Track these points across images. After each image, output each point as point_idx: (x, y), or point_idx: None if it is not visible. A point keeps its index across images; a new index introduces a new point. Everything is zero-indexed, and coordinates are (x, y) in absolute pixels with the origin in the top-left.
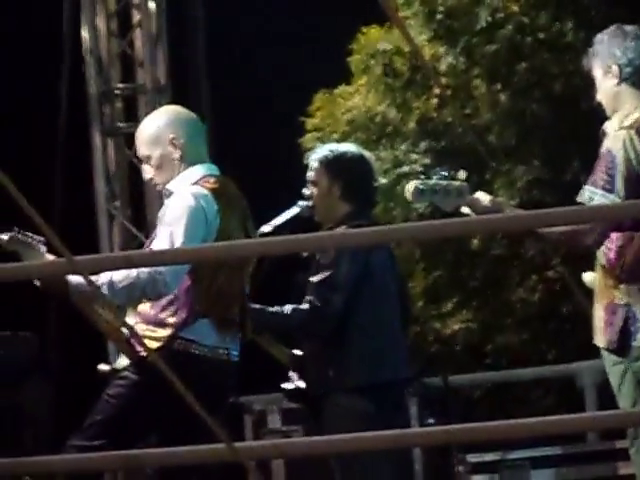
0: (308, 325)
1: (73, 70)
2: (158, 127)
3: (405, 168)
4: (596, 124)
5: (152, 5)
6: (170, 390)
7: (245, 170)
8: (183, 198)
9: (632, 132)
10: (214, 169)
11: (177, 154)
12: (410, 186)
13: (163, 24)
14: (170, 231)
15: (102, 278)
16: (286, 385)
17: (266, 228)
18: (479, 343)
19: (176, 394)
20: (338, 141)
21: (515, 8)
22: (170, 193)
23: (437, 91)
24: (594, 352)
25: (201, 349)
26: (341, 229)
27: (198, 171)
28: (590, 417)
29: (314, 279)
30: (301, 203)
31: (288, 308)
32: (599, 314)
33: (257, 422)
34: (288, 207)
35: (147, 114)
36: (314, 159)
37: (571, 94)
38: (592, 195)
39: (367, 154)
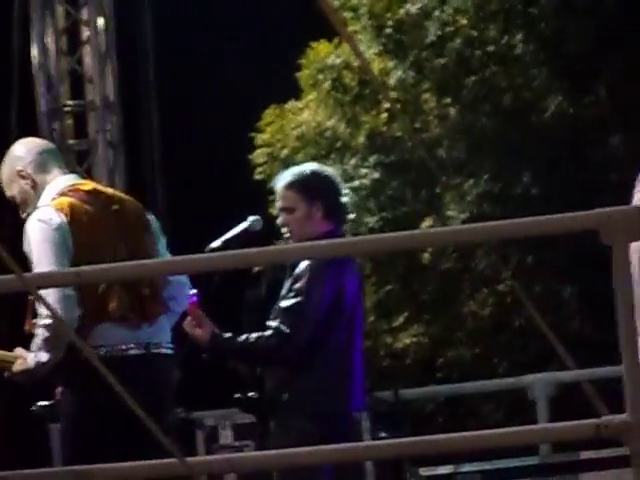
0: (273, 352)
1: (23, 87)
2: (7, 167)
3: (355, 182)
4: (545, 137)
5: (101, 22)
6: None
7: (195, 186)
8: (32, 229)
9: None
10: (70, 179)
11: (29, 184)
12: None
13: (112, 41)
14: (39, 258)
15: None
16: (238, 395)
17: (215, 243)
18: (430, 357)
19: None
20: (288, 156)
21: (464, 21)
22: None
23: (386, 105)
24: (545, 365)
25: (113, 350)
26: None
27: (48, 192)
28: (542, 429)
29: (283, 304)
30: (251, 218)
31: (253, 336)
32: None
33: (209, 437)
34: (238, 223)
35: (97, 131)
36: (281, 187)
37: (520, 107)
38: None
39: (330, 169)
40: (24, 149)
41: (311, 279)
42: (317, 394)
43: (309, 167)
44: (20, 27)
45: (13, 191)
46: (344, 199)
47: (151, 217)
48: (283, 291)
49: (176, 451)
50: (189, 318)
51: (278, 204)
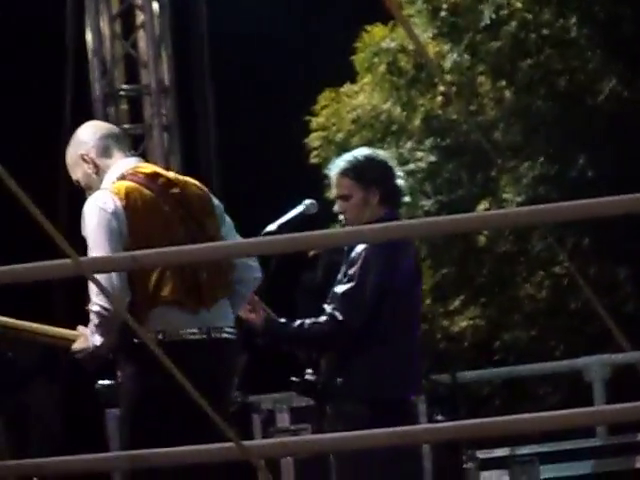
0: (327, 338)
1: (77, 72)
2: (71, 151)
3: (411, 166)
4: (600, 120)
5: (156, 6)
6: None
7: (250, 170)
8: (89, 213)
9: None
10: (131, 162)
11: (91, 168)
12: None
13: (167, 25)
14: (93, 243)
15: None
16: (295, 378)
17: (271, 227)
18: (487, 340)
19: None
20: (343, 140)
21: (519, 4)
22: None
23: (442, 89)
24: (602, 347)
25: (172, 335)
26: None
27: (110, 176)
28: (599, 411)
29: (338, 290)
30: (306, 202)
31: (307, 322)
32: None
33: (266, 421)
34: (294, 206)
35: (152, 115)
36: (335, 174)
37: (575, 90)
38: None
39: (383, 153)
40: (87, 133)
41: (364, 264)
42: (371, 379)
43: (362, 152)
44: (74, 12)
45: (77, 175)
46: (399, 182)
47: (216, 201)
48: (339, 275)
49: (233, 435)
50: None
51: (334, 192)
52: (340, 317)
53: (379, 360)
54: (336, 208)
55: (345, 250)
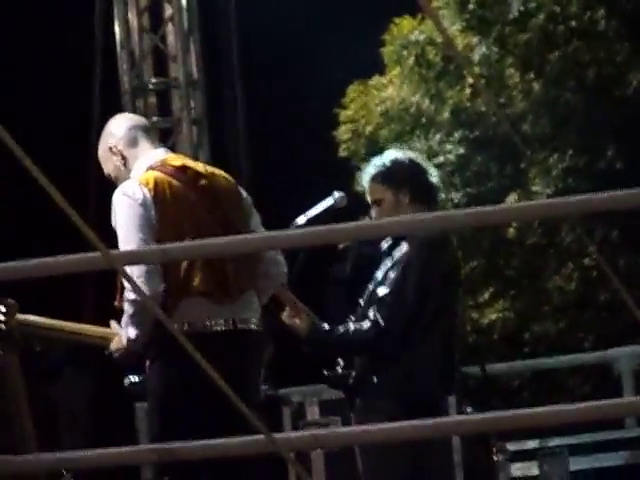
0: (371, 344)
1: (105, 65)
2: (101, 146)
3: (440, 158)
4: (629, 111)
5: None
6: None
7: (279, 163)
8: (118, 203)
9: None
10: (160, 153)
11: (119, 160)
12: None
13: (195, 18)
14: (124, 234)
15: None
16: (326, 371)
17: (301, 220)
18: (516, 332)
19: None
20: (372, 133)
21: None
22: None
23: (470, 81)
24: (631, 338)
25: (198, 326)
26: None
27: (139, 167)
28: (628, 402)
29: (380, 292)
30: (336, 194)
31: (351, 328)
32: None
33: (295, 414)
34: (323, 199)
35: (181, 108)
36: (366, 181)
37: (604, 82)
38: None
39: (411, 153)
40: (115, 126)
41: (407, 266)
42: (406, 379)
43: (390, 155)
44: (102, 5)
45: (108, 168)
46: (432, 180)
47: (244, 193)
48: (379, 273)
49: (263, 427)
50: (287, 309)
51: (368, 198)
52: (383, 323)
53: (415, 361)
54: (372, 214)
55: (387, 247)
